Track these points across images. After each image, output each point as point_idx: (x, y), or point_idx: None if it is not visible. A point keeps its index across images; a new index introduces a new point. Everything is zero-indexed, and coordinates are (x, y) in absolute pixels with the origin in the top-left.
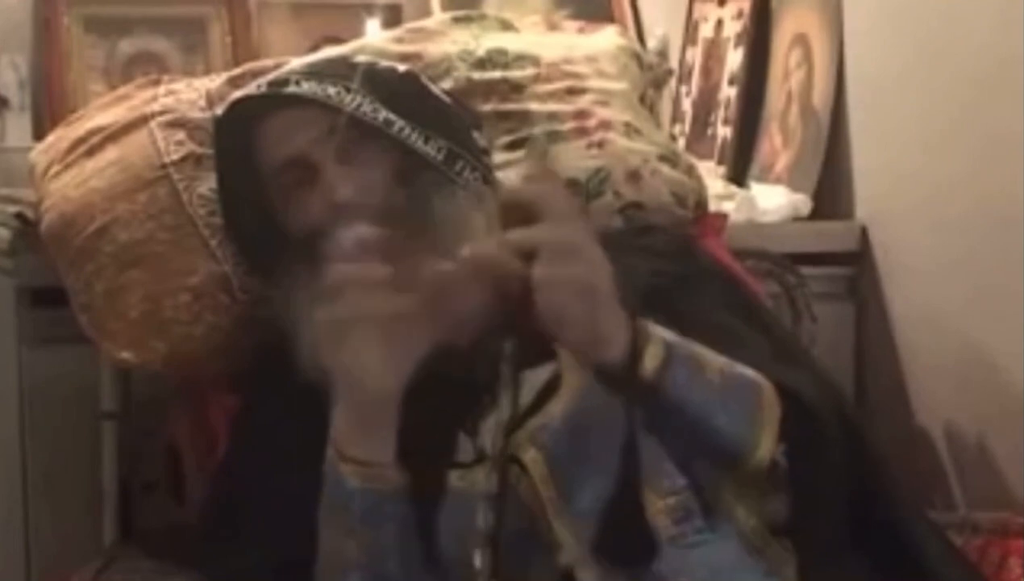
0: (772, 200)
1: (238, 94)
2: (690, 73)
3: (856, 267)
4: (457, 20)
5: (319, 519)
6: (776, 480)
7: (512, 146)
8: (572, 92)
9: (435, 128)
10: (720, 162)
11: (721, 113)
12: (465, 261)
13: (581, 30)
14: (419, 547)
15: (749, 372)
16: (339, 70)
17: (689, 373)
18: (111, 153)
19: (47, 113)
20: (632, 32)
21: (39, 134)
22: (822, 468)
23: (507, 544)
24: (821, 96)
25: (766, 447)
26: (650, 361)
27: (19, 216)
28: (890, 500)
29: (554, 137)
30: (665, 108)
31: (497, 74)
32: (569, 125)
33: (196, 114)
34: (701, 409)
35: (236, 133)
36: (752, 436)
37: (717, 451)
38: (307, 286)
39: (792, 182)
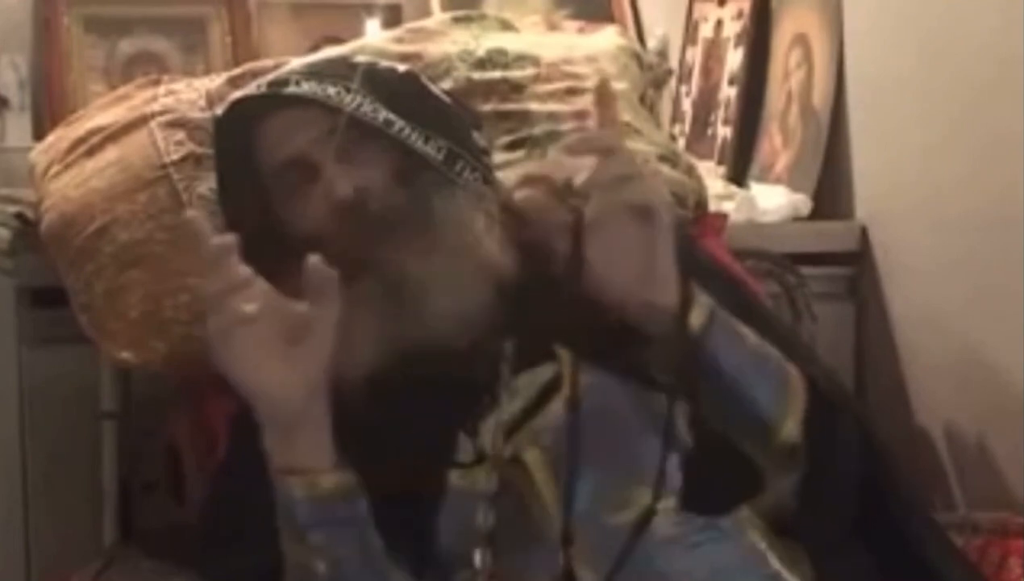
0: (772, 200)
1: (238, 94)
2: (690, 73)
3: (856, 267)
4: (457, 20)
5: (281, 537)
6: (794, 463)
7: (512, 146)
8: (572, 92)
9: (435, 128)
10: (720, 162)
11: (721, 113)
12: (518, 200)
13: (581, 30)
14: (380, 543)
15: (778, 356)
16: (339, 70)
17: (729, 338)
18: (111, 153)
19: (47, 113)
20: (632, 32)
21: (39, 134)
22: (837, 459)
23: (508, 544)
24: (821, 96)
25: (792, 426)
26: (696, 318)
27: (19, 216)
28: (895, 497)
29: (554, 137)
30: (665, 108)
31: (497, 74)
32: (569, 125)
33: (196, 114)
34: (739, 375)
35: (236, 133)
36: (781, 413)
37: (749, 420)
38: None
39: (792, 182)
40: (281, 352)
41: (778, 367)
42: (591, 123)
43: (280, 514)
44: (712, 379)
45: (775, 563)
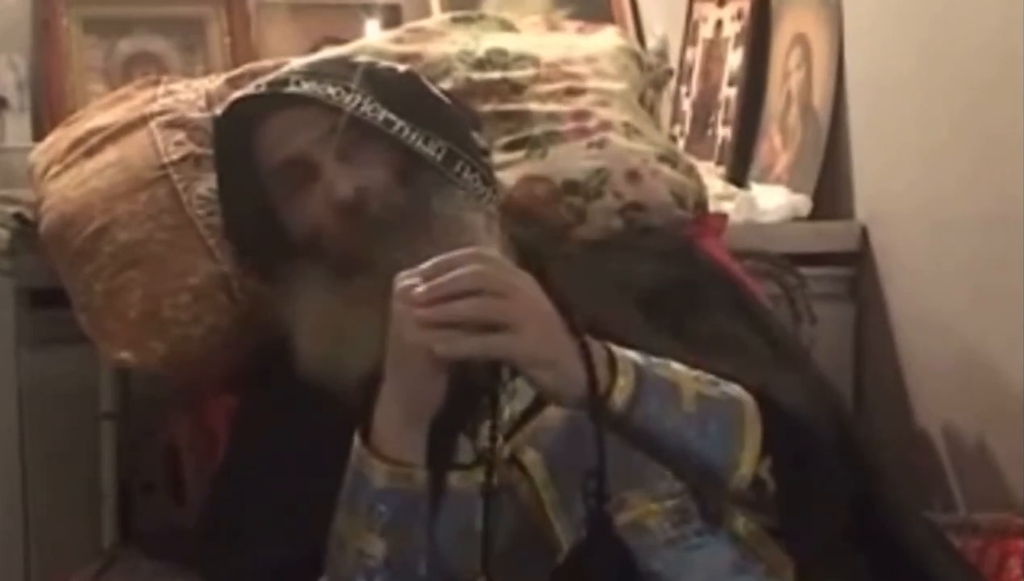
0: (772, 200)
1: (238, 94)
2: (690, 73)
3: (856, 268)
4: (457, 20)
5: (338, 519)
6: (761, 495)
7: (512, 146)
8: (572, 92)
9: (435, 128)
10: (720, 162)
11: (721, 113)
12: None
13: (581, 30)
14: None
15: (730, 390)
16: (339, 70)
17: (661, 403)
18: (110, 153)
19: (46, 114)
20: (632, 32)
21: (38, 135)
22: (812, 477)
23: (507, 545)
24: (821, 96)
25: (747, 466)
26: (619, 395)
27: (18, 216)
28: (888, 502)
29: (554, 137)
30: (665, 109)
31: (497, 74)
32: (569, 125)
33: (195, 114)
34: (674, 437)
35: (236, 133)
36: (731, 456)
37: (695, 473)
38: (306, 286)
39: (792, 182)
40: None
41: (726, 408)
42: (591, 123)
43: (352, 501)
44: (646, 444)
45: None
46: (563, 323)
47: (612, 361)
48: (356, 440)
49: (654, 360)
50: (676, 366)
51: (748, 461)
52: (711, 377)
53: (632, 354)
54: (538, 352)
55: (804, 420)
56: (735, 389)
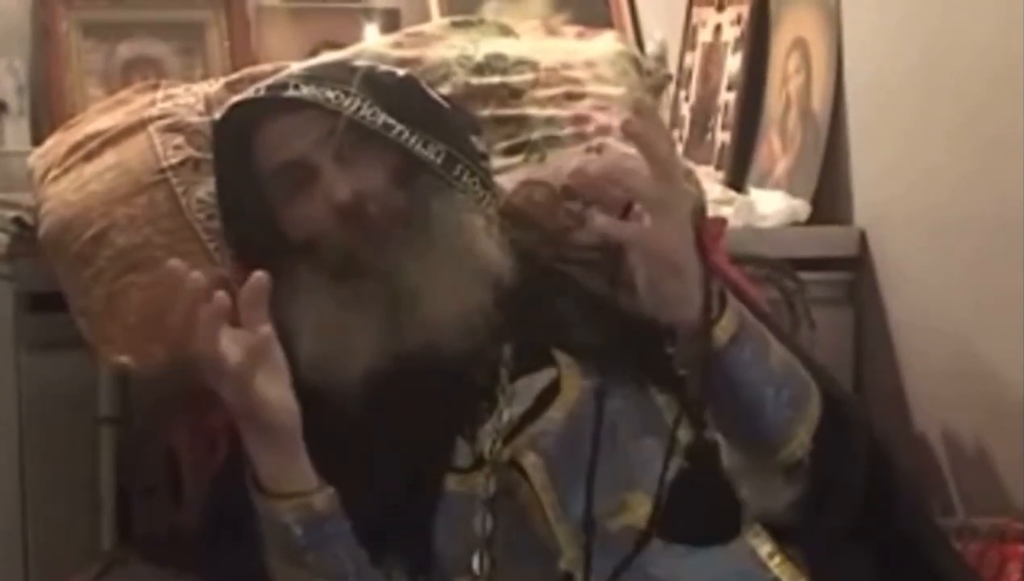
0: (771, 205)
1: (237, 98)
2: (689, 78)
3: (855, 272)
4: (456, 25)
5: (269, 563)
6: (795, 477)
7: (510, 151)
8: (571, 97)
9: (434, 132)
10: (719, 167)
11: (720, 118)
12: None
13: (580, 35)
14: (365, 553)
15: (803, 372)
16: (338, 74)
17: (754, 351)
18: (109, 157)
19: (46, 117)
20: (631, 37)
21: (38, 138)
22: (848, 470)
23: (506, 549)
24: (820, 101)
25: (798, 443)
26: (722, 331)
27: (17, 220)
28: (898, 501)
29: (552, 142)
30: (664, 113)
31: (496, 79)
32: (568, 130)
33: (194, 118)
34: (753, 389)
35: (235, 137)
36: (792, 429)
37: (755, 434)
38: (305, 289)
39: (791, 187)
40: (269, 374)
41: (800, 383)
42: (590, 128)
43: (272, 540)
44: (725, 394)
45: (775, 570)
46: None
47: (723, 296)
48: (252, 489)
49: (751, 316)
50: (767, 331)
51: (802, 439)
52: (786, 349)
53: (737, 302)
54: (676, 252)
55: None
56: (805, 371)
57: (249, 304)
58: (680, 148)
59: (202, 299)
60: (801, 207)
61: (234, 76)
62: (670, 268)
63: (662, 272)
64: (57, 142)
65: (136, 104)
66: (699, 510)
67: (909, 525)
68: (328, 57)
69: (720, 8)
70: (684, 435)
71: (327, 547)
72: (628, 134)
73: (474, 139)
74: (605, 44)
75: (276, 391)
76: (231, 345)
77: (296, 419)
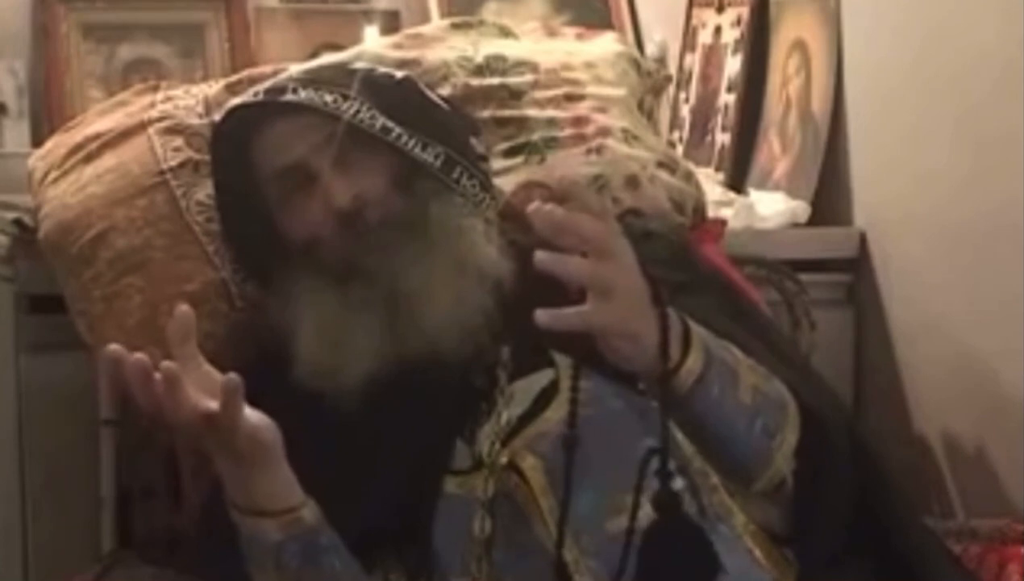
0: (771, 206)
1: (236, 102)
2: (688, 79)
3: (855, 273)
4: (456, 26)
5: (253, 575)
6: (780, 496)
7: (510, 152)
8: (570, 98)
9: (433, 135)
10: (719, 168)
11: (719, 119)
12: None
13: (580, 36)
14: (356, 563)
15: (780, 391)
16: (337, 77)
17: (722, 389)
18: (109, 159)
19: (45, 119)
20: (630, 38)
21: (37, 140)
22: (831, 484)
23: (505, 550)
24: (820, 102)
25: (778, 467)
26: (687, 374)
27: (17, 222)
28: (891, 507)
29: (552, 143)
30: (663, 114)
31: (495, 80)
32: (567, 131)
33: (194, 120)
34: (724, 425)
35: (234, 141)
36: (768, 456)
37: (728, 463)
38: (304, 293)
39: (791, 188)
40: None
41: (774, 408)
42: (589, 129)
43: (257, 561)
44: (696, 432)
45: (773, 571)
46: (648, 292)
47: (687, 338)
48: (232, 512)
49: (718, 341)
50: (736, 351)
51: (780, 464)
52: (764, 370)
53: (702, 332)
54: (627, 323)
55: (827, 426)
56: (782, 389)
57: (180, 341)
58: (681, 149)
59: (149, 376)
60: (801, 208)
61: (234, 78)
62: (620, 338)
63: (618, 342)
64: (57, 144)
65: (136, 106)
66: (672, 559)
67: (903, 534)
68: (328, 59)
69: (720, 9)
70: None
71: (322, 560)
72: (546, 225)
73: (473, 141)
74: (605, 45)
75: (254, 414)
76: (202, 397)
77: (276, 431)
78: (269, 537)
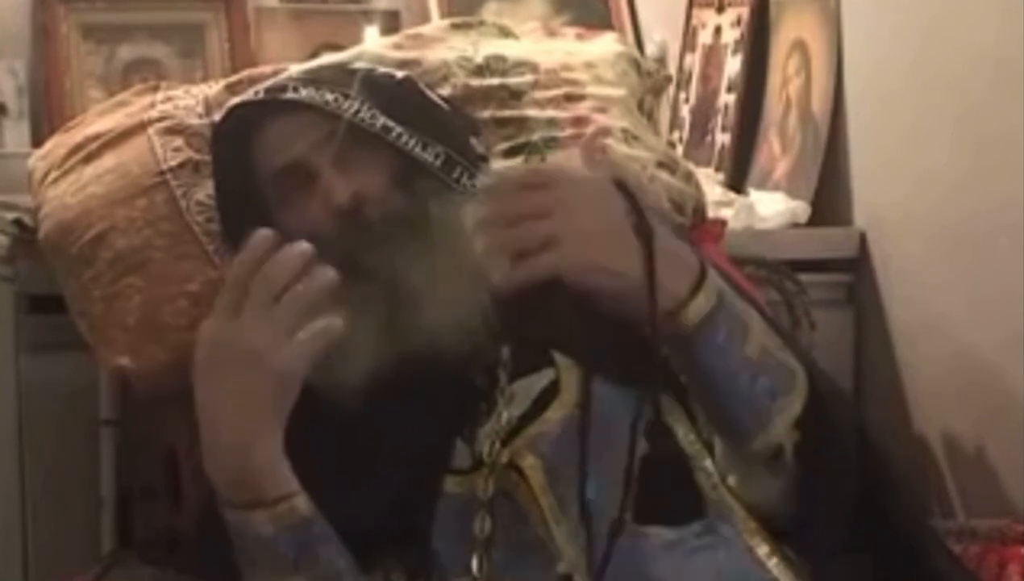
0: (771, 206)
1: (236, 101)
2: (688, 79)
3: (855, 274)
4: (456, 26)
5: (246, 576)
6: (776, 468)
7: (510, 152)
8: (570, 98)
9: (433, 134)
10: (719, 169)
11: (719, 120)
12: (498, 289)
13: (580, 36)
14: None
15: (790, 359)
16: (337, 76)
17: (728, 336)
18: (109, 160)
19: (45, 119)
20: (631, 38)
21: (37, 140)
22: (834, 472)
23: (505, 550)
24: (820, 102)
25: (776, 432)
26: (694, 312)
27: (17, 222)
28: (894, 505)
29: (552, 144)
30: (663, 115)
31: (495, 80)
32: (567, 131)
33: (194, 120)
34: (725, 376)
35: (234, 140)
36: (767, 418)
37: (725, 418)
38: None
39: (791, 188)
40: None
41: (780, 371)
42: (589, 130)
43: (253, 555)
44: (698, 373)
45: (774, 569)
46: (624, 227)
47: (701, 275)
48: (225, 510)
49: (732, 293)
50: (754, 313)
51: (779, 429)
52: (780, 340)
53: (721, 283)
54: (604, 265)
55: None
56: (794, 361)
57: None
58: (680, 150)
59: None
60: (801, 209)
61: (234, 78)
62: (596, 276)
63: (591, 281)
64: (57, 144)
65: (136, 106)
66: (659, 491)
67: (906, 531)
68: (328, 59)
69: (720, 10)
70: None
71: (319, 549)
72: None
73: (473, 141)
74: (605, 45)
75: None
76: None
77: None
78: (262, 530)
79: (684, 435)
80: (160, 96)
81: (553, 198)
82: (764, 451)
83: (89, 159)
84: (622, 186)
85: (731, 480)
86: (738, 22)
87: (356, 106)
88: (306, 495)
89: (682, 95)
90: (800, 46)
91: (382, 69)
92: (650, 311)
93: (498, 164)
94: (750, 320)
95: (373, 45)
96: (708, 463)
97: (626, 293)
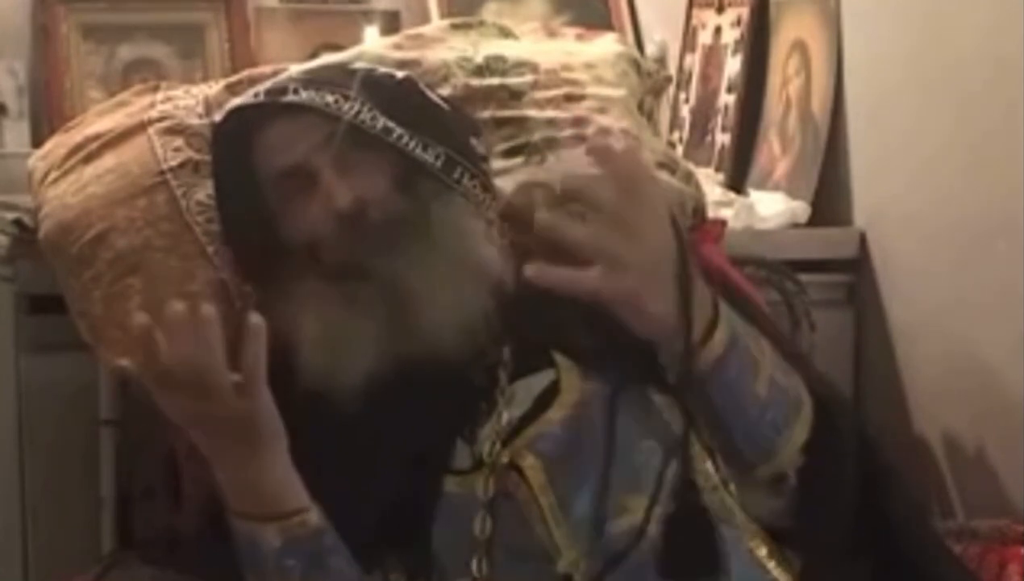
0: (771, 207)
1: (236, 103)
2: (688, 80)
3: (855, 274)
4: (456, 27)
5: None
6: (779, 489)
7: (510, 153)
8: (570, 99)
9: (433, 135)
10: (718, 169)
11: (719, 120)
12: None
13: (580, 37)
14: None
15: (798, 388)
16: (337, 77)
17: (740, 375)
18: (109, 160)
19: (45, 119)
20: (631, 39)
21: (37, 140)
22: (834, 480)
23: (505, 551)
24: (819, 102)
25: (781, 462)
26: (708, 355)
27: (17, 222)
28: (895, 507)
29: (552, 144)
30: (663, 115)
31: (495, 81)
32: (567, 132)
33: (194, 121)
34: (735, 411)
35: (234, 142)
36: (772, 448)
37: (731, 448)
38: (305, 294)
39: (791, 189)
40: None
41: (787, 405)
42: (589, 130)
43: (259, 566)
44: (710, 407)
45: (774, 571)
46: (674, 272)
47: (715, 318)
48: (232, 519)
49: (745, 327)
50: (764, 343)
51: (784, 458)
52: (786, 365)
53: (733, 317)
54: (635, 299)
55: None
56: (800, 387)
57: None
58: (681, 150)
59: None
60: (801, 209)
61: (234, 78)
62: (624, 310)
63: (621, 312)
64: (57, 144)
65: (136, 106)
66: (682, 548)
67: (907, 535)
68: (328, 59)
69: (720, 10)
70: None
71: (329, 562)
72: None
73: (474, 141)
74: (605, 46)
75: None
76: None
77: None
78: (269, 543)
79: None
80: (160, 96)
81: (612, 203)
82: (766, 478)
83: (89, 159)
84: (675, 222)
85: (732, 488)
86: (738, 22)
87: (356, 107)
88: (317, 508)
89: (682, 95)
90: (800, 46)
91: (382, 69)
92: (683, 370)
93: (498, 164)
94: (759, 353)
95: (373, 45)
96: (708, 465)
97: (650, 331)
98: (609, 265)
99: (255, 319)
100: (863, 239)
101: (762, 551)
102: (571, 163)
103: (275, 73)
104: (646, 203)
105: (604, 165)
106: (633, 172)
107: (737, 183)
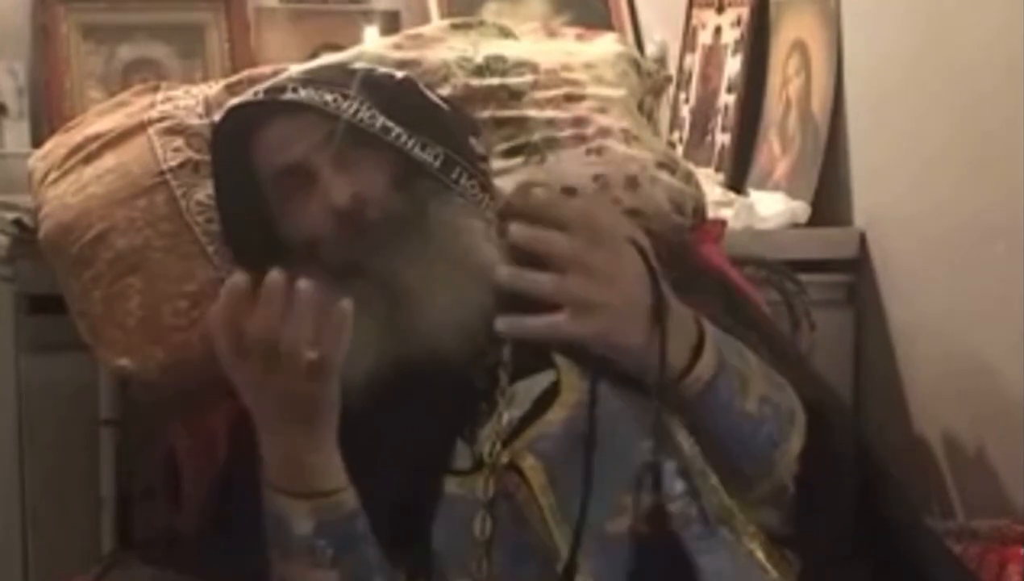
0: (771, 207)
1: (235, 101)
2: (688, 80)
3: (855, 274)
4: (455, 27)
5: (275, 563)
6: (780, 501)
7: (510, 153)
8: (570, 99)
9: (432, 135)
10: (718, 169)
11: (719, 120)
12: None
13: (580, 37)
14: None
15: (790, 399)
16: (337, 77)
17: (729, 397)
18: (109, 160)
19: (45, 120)
20: (631, 39)
21: (37, 141)
22: (833, 485)
23: (505, 551)
24: (820, 102)
25: (779, 476)
26: (695, 381)
27: (17, 222)
28: (892, 509)
29: (552, 144)
30: (663, 115)
31: (495, 81)
32: (567, 132)
33: (194, 121)
34: (728, 432)
35: (233, 140)
36: (769, 464)
37: (729, 467)
38: None
39: (791, 189)
40: None
41: (780, 419)
42: (589, 130)
43: (288, 544)
44: (701, 430)
45: (772, 572)
46: (648, 304)
47: (700, 344)
48: (266, 489)
49: (734, 345)
50: (750, 357)
51: (782, 471)
52: (777, 377)
53: (719, 337)
54: (607, 337)
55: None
56: (792, 397)
57: None
58: (681, 150)
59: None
60: (801, 209)
61: (234, 78)
62: (602, 349)
63: (603, 351)
64: (56, 144)
65: (135, 106)
66: (652, 571)
67: (906, 537)
68: (328, 59)
69: (720, 10)
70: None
71: (360, 547)
72: (519, 243)
73: (473, 141)
74: (605, 46)
75: None
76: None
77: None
78: (302, 523)
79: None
80: (160, 96)
81: (574, 250)
82: (767, 494)
83: (89, 159)
84: (636, 245)
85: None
86: (738, 22)
87: (355, 106)
88: (353, 491)
89: (682, 95)
90: (800, 46)
91: (382, 69)
92: (658, 392)
93: (498, 164)
94: (749, 373)
95: (373, 45)
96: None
97: (632, 362)
98: (577, 309)
99: (344, 304)
100: (863, 239)
101: (760, 554)
102: (571, 163)
103: (275, 73)
104: (607, 243)
105: (555, 219)
106: (592, 216)
107: (737, 183)
